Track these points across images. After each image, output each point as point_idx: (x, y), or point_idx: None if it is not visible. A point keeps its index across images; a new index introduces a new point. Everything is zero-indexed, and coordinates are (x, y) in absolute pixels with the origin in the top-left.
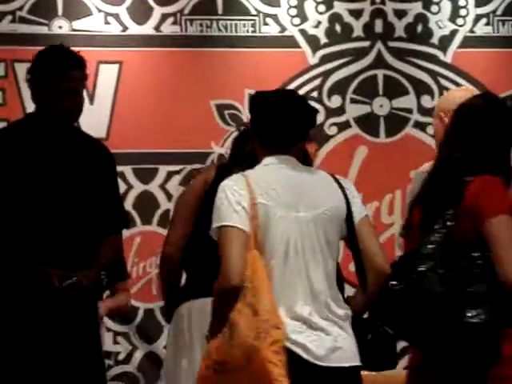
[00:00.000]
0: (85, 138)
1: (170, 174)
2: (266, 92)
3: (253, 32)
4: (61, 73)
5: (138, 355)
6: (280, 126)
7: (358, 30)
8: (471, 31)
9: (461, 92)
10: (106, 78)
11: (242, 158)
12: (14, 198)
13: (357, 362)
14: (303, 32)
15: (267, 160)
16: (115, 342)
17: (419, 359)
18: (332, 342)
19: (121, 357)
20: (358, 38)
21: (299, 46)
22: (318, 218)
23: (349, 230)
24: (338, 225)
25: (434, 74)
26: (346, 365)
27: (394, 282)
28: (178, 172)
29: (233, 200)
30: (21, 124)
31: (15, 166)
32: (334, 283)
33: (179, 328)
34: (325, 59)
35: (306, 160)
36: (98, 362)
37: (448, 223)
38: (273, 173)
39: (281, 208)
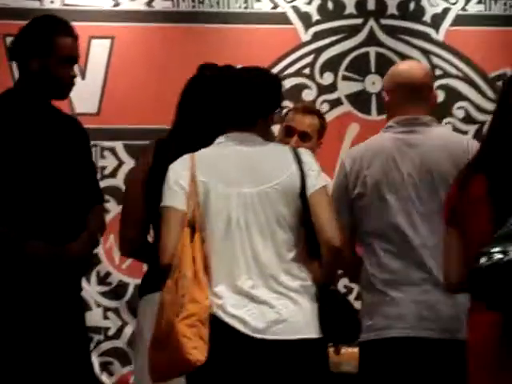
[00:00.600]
0: (60, 115)
1: None
2: (225, 68)
3: (245, 8)
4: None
5: (128, 331)
6: (234, 103)
7: (350, 7)
8: (463, 9)
9: (394, 67)
10: (97, 53)
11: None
12: None
13: (308, 335)
14: (296, 9)
15: (220, 138)
16: (105, 318)
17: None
18: (275, 314)
19: (111, 332)
20: (351, 16)
21: (291, 23)
22: (264, 193)
23: (303, 204)
24: (290, 199)
25: (426, 52)
26: (292, 337)
27: (499, 256)
28: None
29: (172, 180)
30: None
31: None
32: (287, 256)
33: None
34: (317, 36)
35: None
36: (82, 334)
37: None
38: (220, 150)
39: (223, 184)
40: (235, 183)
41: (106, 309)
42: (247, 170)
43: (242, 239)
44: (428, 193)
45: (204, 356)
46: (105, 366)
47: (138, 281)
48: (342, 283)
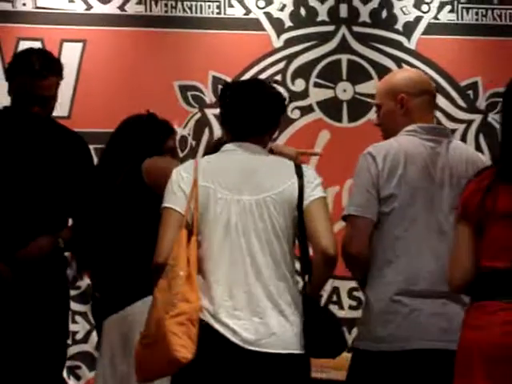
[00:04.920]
0: (59, 129)
1: None
2: (234, 82)
3: (218, 14)
4: (40, 79)
5: (96, 335)
6: (247, 113)
7: (322, 14)
8: (435, 18)
9: (414, 74)
10: (69, 57)
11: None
12: None
13: (295, 350)
14: (268, 15)
15: (226, 146)
16: (73, 321)
17: None
18: (266, 327)
19: (79, 336)
20: (323, 22)
21: (264, 29)
22: (262, 202)
23: (299, 216)
24: (287, 210)
25: (397, 60)
26: (281, 351)
27: None
28: None
29: (175, 183)
30: None
31: None
32: (282, 267)
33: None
34: (289, 43)
35: None
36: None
37: None
38: (224, 157)
39: (223, 190)
40: (235, 190)
41: (75, 312)
42: (248, 178)
43: (241, 246)
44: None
45: (191, 354)
46: (72, 370)
47: None
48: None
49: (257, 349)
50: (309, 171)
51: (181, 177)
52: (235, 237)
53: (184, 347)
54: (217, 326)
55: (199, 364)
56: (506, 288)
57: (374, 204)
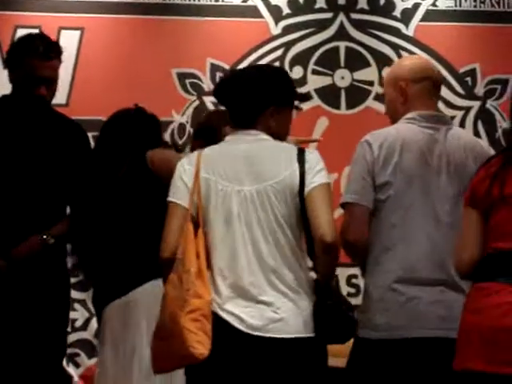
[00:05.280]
0: (58, 118)
1: None
2: (232, 70)
3: (216, 1)
4: (46, 60)
5: (95, 322)
6: (235, 102)
7: (320, 1)
8: (434, 5)
9: (417, 60)
10: (67, 44)
11: None
12: None
13: (304, 334)
14: (266, 2)
15: (228, 137)
16: (73, 309)
17: None
18: (272, 313)
19: (78, 324)
20: (321, 10)
21: (262, 16)
22: (263, 191)
23: (301, 203)
24: (289, 197)
25: (395, 47)
26: (287, 336)
27: None
28: None
29: (177, 176)
30: None
31: None
32: (287, 254)
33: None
34: (287, 30)
35: None
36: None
37: None
38: (226, 148)
39: (224, 181)
40: (236, 180)
41: (74, 300)
42: (248, 167)
43: (243, 235)
44: (455, 193)
45: (207, 350)
46: (71, 358)
47: None
48: None
49: (264, 334)
50: (311, 156)
51: (183, 169)
52: (238, 227)
53: (200, 343)
54: (224, 316)
55: (211, 355)
56: (506, 269)
57: (369, 191)
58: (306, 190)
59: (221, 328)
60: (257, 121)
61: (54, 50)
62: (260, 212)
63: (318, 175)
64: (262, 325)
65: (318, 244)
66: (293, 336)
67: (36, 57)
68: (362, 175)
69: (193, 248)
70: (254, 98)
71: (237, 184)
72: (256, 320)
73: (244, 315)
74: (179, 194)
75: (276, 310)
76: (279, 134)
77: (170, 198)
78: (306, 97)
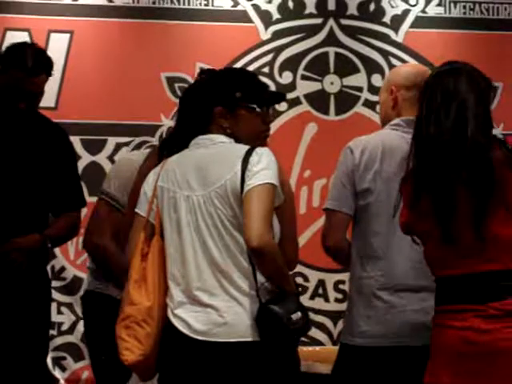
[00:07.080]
0: (43, 121)
1: (118, 146)
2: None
3: (205, 5)
4: (32, 76)
5: (82, 326)
6: (184, 107)
7: (310, 7)
8: (423, 11)
9: (412, 68)
10: (56, 47)
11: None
12: None
13: (247, 338)
14: (256, 7)
15: (192, 142)
16: (59, 313)
17: None
18: (218, 317)
19: (64, 327)
20: (311, 15)
21: (252, 21)
22: (208, 196)
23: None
24: (233, 201)
25: (385, 53)
26: (231, 340)
27: None
28: (126, 144)
29: (143, 186)
30: None
31: None
32: (238, 257)
33: None
34: (277, 35)
35: None
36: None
37: None
38: (184, 154)
39: (176, 188)
40: (185, 187)
41: (60, 304)
42: (198, 173)
43: (193, 241)
44: None
45: (137, 356)
46: (57, 361)
47: None
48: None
49: (208, 338)
50: (254, 155)
51: (147, 179)
52: (187, 234)
53: (128, 350)
54: (174, 321)
55: (163, 360)
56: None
57: (349, 198)
58: (244, 192)
59: (170, 333)
60: (209, 123)
61: (43, 65)
62: (207, 218)
63: (255, 176)
64: (207, 329)
65: (248, 249)
66: (236, 340)
67: (22, 70)
68: (343, 182)
69: (138, 257)
70: (196, 100)
71: (186, 190)
72: (201, 324)
73: (191, 320)
74: (140, 204)
75: (222, 314)
76: (240, 137)
77: (135, 209)
78: (279, 97)
